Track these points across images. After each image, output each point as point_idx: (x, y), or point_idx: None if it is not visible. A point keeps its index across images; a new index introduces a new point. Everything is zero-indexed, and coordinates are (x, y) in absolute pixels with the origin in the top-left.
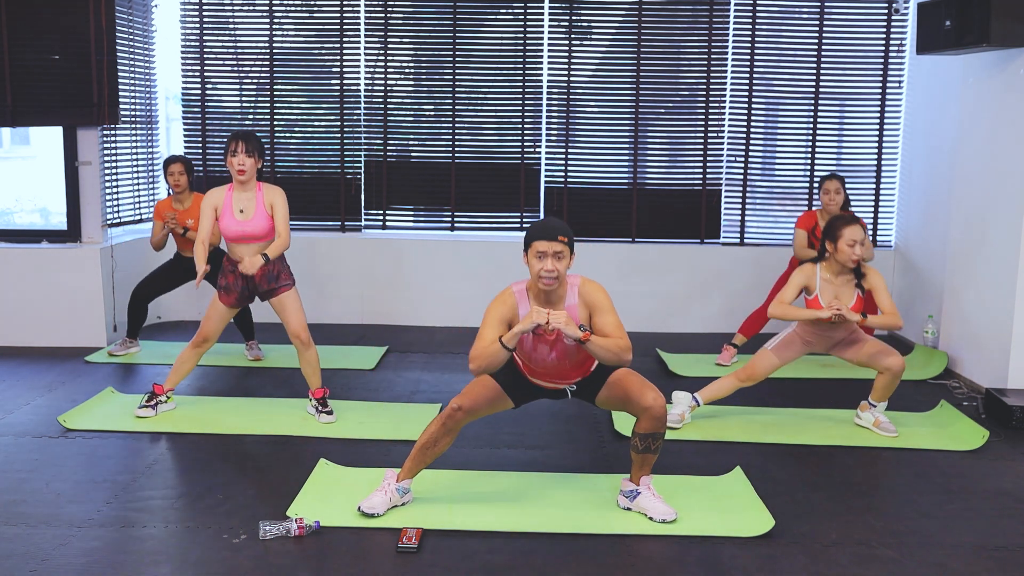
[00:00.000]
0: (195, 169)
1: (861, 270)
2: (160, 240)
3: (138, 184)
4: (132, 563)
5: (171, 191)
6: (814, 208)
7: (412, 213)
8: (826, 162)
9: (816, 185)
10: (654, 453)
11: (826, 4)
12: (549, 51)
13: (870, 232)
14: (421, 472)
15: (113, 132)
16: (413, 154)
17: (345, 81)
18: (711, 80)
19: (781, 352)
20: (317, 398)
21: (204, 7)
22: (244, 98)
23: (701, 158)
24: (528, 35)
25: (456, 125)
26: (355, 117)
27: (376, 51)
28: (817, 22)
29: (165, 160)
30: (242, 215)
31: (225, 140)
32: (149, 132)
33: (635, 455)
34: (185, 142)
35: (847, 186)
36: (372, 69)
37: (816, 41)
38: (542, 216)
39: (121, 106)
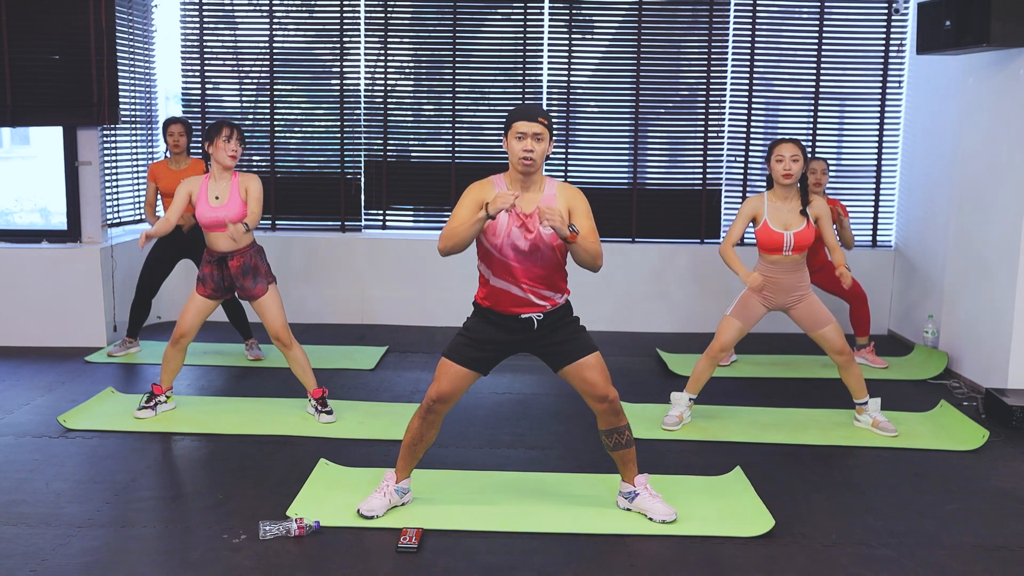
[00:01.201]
0: (194, 130)
1: (808, 197)
2: (153, 200)
3: (138, 184)
4: (132, 563)
5: (168, 153)
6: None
7: (412, 213)
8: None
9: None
10: (627, 446)
11: (826, 4)
12: (549, 51)
13: (869, 232)
14: (421, 472)
15: (113, 132)
16: (413, 154)
17: (345, 81)
18: (711, 80)
19: (740, 313)
20: (316, 398)
21: (204, 7)
22: (244, 98)
23: (701, 158)
24: (528, 35)
25: (456, 125)
26: (355, 117)
27: (376, 51)
28: (817, 22)
29: (165, 121)
30: (217, 201)
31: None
32: (149, 132)
33: (612, 455)
34: None
35: (846, 187)
36: (372, 69)
37: (816, 41)
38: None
39: (121, 106)
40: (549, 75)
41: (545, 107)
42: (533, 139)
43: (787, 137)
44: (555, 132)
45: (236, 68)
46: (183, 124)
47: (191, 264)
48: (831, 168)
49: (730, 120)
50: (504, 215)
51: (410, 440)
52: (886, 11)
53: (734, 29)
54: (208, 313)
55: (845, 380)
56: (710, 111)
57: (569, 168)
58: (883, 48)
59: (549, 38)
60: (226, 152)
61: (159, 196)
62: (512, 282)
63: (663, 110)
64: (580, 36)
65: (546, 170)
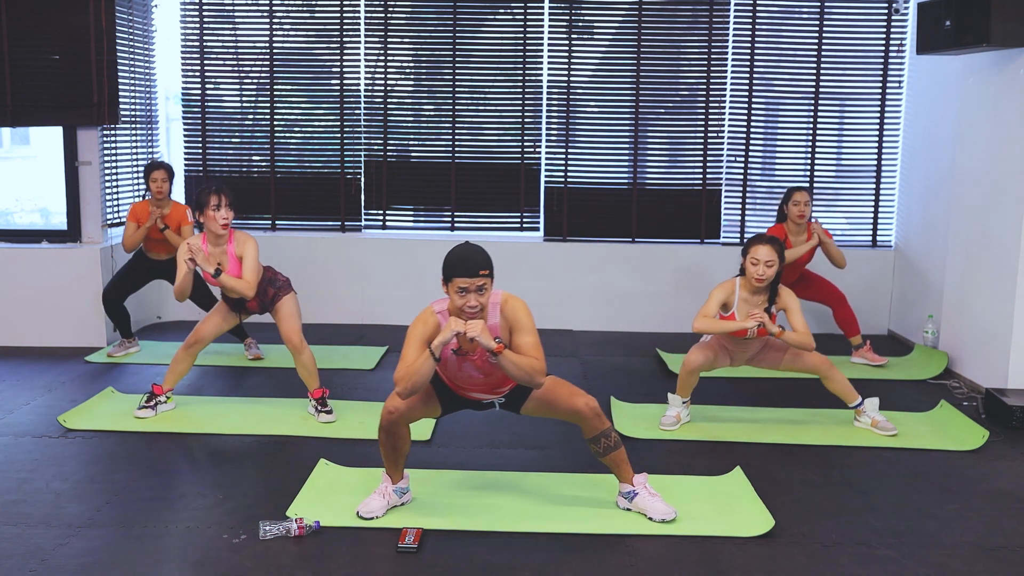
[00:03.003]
0: (174, 176)
1: (777, 294)
2: (135, 241)
3: (138, 184)
4: (132, 563)
5: (148, 195)
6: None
7: (412, 213)
8: (826, 162)
9: (813, 185)
10: (616, 448)
11: (826, 4)
12: (549, 51)
13: (869, 232)
14: (421, 472)
15: (113, 132)
16: (413, 154)
17: (345, 81)
18: (711, 80)
19: (705, 351)
20: (316, 398)
21: (204, 7)
22: (244, 98)
23: (701, 158)
24: (528, 35)
25: (456, 125)
26: (355, 117)
27: (376, 51)
28: (817, 22)
29: (147, 166)
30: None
31: (224, 141)
32: (149, 132)
33: (603, 461)
34: (185, 142)
35: (846, 187)
36: (372, 69)
37: (816, 41)
38: (542, 216)
39: (121, 106)
40: (549, 75)
41: (545, 117)
42: (476, 293)
43: (764, 236)
44: (555, 133)
45: (236, 68)
46: (166, 170)
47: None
48: (830, 168)
49: (730, 120)
50: (452, 355)
51: (385, 451)
52: (886, 11)
53: (734, 29)
54: (227, 328)
55: (831, 389)
56: (710, 111)
57: (569, 168)
58: (883, 48)
59: (549, 38)
60: (217, 221)
61: (145, 232)
62: (476, 390)
63: (663, 110)
64: (580, 36)
65: (547, 171)
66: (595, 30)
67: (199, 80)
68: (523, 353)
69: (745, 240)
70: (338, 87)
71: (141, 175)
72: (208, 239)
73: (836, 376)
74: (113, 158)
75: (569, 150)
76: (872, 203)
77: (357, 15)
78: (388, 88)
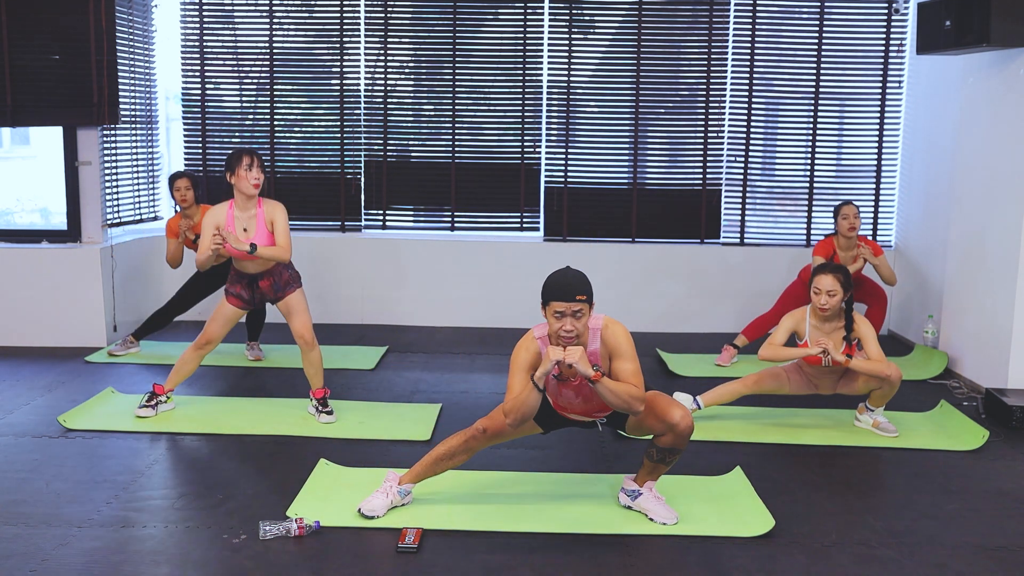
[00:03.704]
0: (199, 183)
1: (853, 321)
2: (177, 255)
3: (138, 184)
4: (132, 563)
5: (178, 207)
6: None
7: (412, 213)
8: (826, 162)
9: (813, 184)
10: (667, 465)
11: (826, 4)
12: (549, 51)
13: (869, 232)
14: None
15: (113, 132)
16: (413, 154)
17: (345, 81)
18: (711, 80)
19: (791, 374)
20: (318, 398)
21: (204, 7)
22: (244, 98)
23: (701, 158)
24: (528, 35)
25: (456, 125)
26: (355, 117)
27: (376, 51)
28: (817, 22)
29: (170, 176)
30: (245, 234)
31: (224, 141)
32: (149, 132)
33: (648, 462)
34: (185, 142)
35: (846, 187)
36: (372, 69)
37: (816, 41)
38: (542, 216)
39: (121, 106)
40: (549, 75)
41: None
42: (573, 318)
43: (829, 265)
44: (554, 134)
45: (236, 68)
46: (189, 178)
47: None
48: (830, 168)
49: (730, 120)
50: (553, 380)
51: (441, 453)
52: (886, 11)
53: (734, 29)
54: (235, 322)
55: (878, 392)
56: (710, 111)
57: (569, 168)
58: (883, 48)
59: (549, 38)
60: (248, 181)
61: (183, 245)
62: (578, 412)
63: (663, 110)
64: (580, 36)
65: (547, 171)
66: (595, 30)
67: (199, 80)
68: (623, 380)
69: (763, 243)
70: (338, 87)
71: (141, 175)
72: (237, 203)
73: (896, 388)
74: (113, 158)
75: (569, 150)
76: (872, 203)
77: (357, 15)
78: (388, 88)
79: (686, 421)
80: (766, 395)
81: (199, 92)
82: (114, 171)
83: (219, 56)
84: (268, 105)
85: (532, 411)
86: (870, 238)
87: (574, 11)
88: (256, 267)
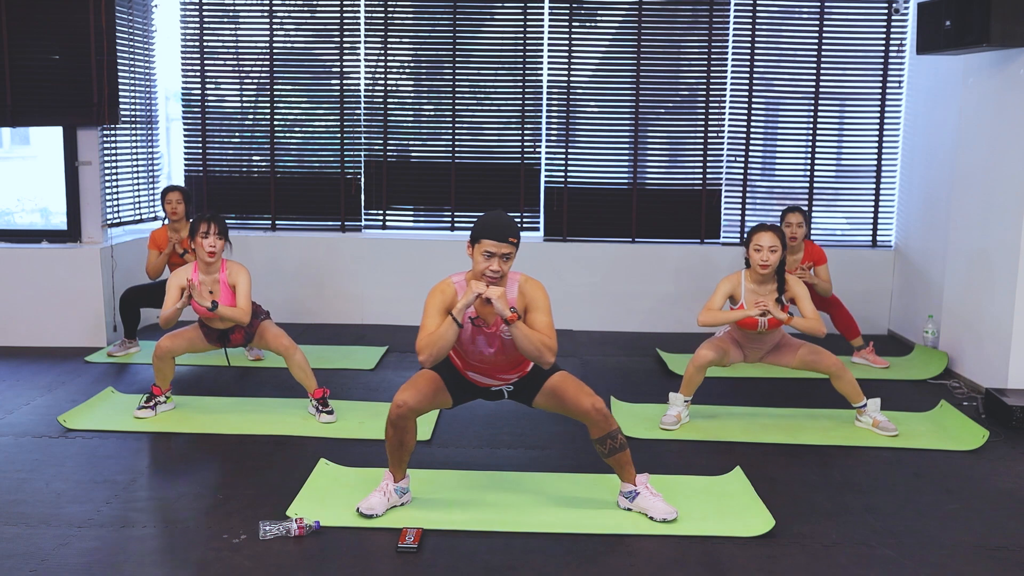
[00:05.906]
0: (191, 197)
1: (785, 282)
2: (158, 267)
3: (138, 184)
4: (132, 563)
5: (167, 220)
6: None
7: (412, 213)
8: (826, 162)
9: (813, 185)
10: (621, 450)
11: (826, 4)
12: (549, 51)
13: (869, 232)
14: (421, 472)
15: (113, 132)
16: (413, 154)
17: (345, 81)
18: (711, 80)
19: (716, 345)
20: (317, 398)
21: (204, 7)
22: (244, 98)
23: (701, 158)
24: (528, 35)
25: (456, 125)
26: (355, 117)
27: (376, 51)
28: (817, 22)
29: (164, 189)
30: (211, 295)
31: (224, 141)
32: (149, 132)
33: (608, 462)
34: (185, 142)
35: (846, 187)
36: (372, 69)
37: (816, 41)
38: (542, 216)
39: (121, 106)
40: (549, 75)
41: (545, 108)
42: (501, 259)
43: (766, 224)
44: (554, 134)
45: (236, 68)
46: (181, 192)
47: None
48: (830, 168)
49: (730, 120)
50: (469, 324)
51: (390, 447)
52: (886, 11)
53: (734, 29)
54: (198, 351)
55: (839, 389)
56: (710, 111)
57: (569, 168)
58: (883, 48)
59: (549, 38)
60: (204, 249)
61: (167, 258)
62: (481, 370)
63: (663, 110)
64: (580, 36)
65: (547, 171)
66: (595, 30)
67: (199, 80)
68: (536, 330)
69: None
70: (338, 87)
71: (141, 175)
72: (199, 267)
73: (847, 377)
74: (113, 158)
75: (569, 150)
76: (872, 203)
77: (357, 15)
78: (388, 88)
79: (596, 405)
80: (765, 394)
81: (199, 92)
82: (114, 171)
83: (219, 56)
84: (268, 105)
85: (447, 347)
86: (816, 244)
87: (574, 11)
88: (223, 324)
